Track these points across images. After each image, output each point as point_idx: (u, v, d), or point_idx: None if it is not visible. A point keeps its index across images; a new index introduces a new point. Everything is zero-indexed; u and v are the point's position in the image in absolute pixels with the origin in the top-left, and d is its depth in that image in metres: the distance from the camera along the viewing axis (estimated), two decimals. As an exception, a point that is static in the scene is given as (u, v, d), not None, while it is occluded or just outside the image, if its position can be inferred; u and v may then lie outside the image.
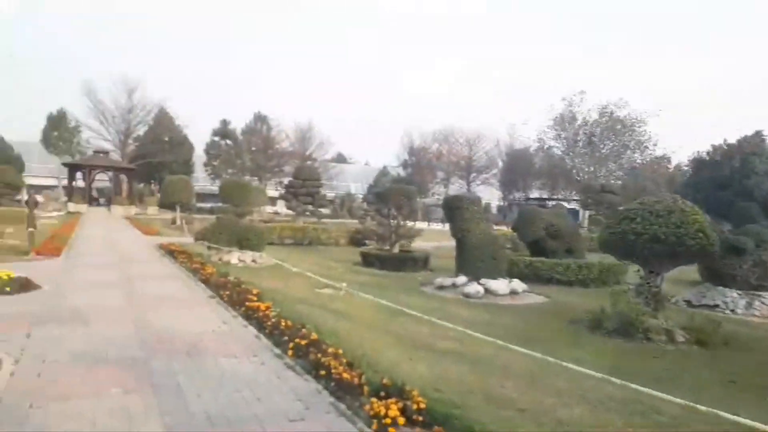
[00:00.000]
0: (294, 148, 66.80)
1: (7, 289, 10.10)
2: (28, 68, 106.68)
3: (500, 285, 13.82)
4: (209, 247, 16.86)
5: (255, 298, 10.14)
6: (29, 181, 54.00)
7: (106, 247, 20.31)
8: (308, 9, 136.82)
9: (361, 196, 71.00)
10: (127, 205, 47.38)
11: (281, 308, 9.55)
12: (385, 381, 5.72)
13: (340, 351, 6.83)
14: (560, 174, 65.92)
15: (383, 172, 74.15)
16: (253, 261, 17.09)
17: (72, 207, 43.79)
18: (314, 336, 7.45)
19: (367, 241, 26.57)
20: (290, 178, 46.25)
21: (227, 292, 10.89)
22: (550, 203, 54.30)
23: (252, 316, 9.01)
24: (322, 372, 6.23)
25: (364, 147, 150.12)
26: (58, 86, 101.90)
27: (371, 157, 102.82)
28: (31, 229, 15.80)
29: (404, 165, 79.09)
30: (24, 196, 50.53)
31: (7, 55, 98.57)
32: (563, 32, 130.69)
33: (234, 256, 16.83)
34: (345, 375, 6.00)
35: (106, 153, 54.50)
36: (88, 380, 5.72)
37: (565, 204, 55.85)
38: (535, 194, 72.75)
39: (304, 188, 42.30)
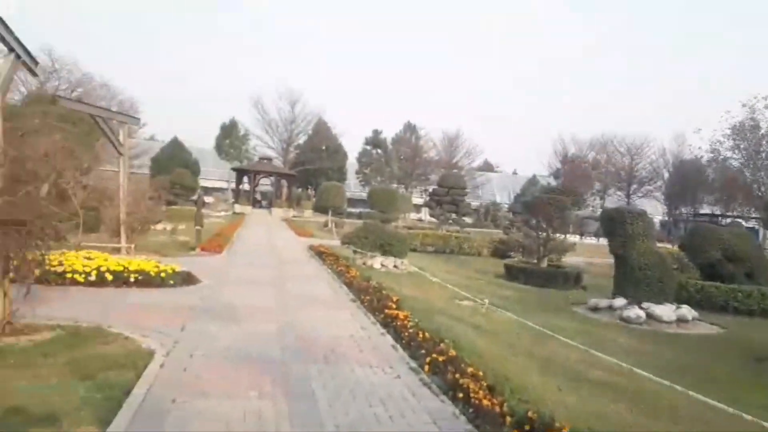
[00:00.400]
0: (440, 156, 66.94)
1: (171, 282, 10.96)
2: (204, 81, 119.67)
3: (666, 311, 12.22)
4: (354, 251, 17.14)
5: (394, 306, 9.92)
6: (204, 183, 60.19)
7: (264, 246, 21.64)
8: (460, 20, 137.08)
9: (506, 206, 69.10)
10: (286, 207, 50.70)
11: (419, 318, 9.20)
12: (530, 413, 5.06)
13: (480, 372, 6.27)
14: (737, 188, 58.32)
15: (532, 182, 71.39)
16: (395, 266, 17.04)
17: (238, 208, 47.85)
18: (452, 352, 6.97)
19: (511, 253, 25.47)
20: (435, 186, 46.30)
21: (368, 297, 10.82)
22: (724, 221, 48.26)
23: (390, 324, 8.77)
24: (460, 394, 5.72)
25: (512, 155, 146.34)
26: (231, 98, 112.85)
27: (519, 166, 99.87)
28: (198, 227, 17.28)
29: (556, 174, 75.41)
30: (205, 197, 56.56)
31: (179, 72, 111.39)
32: (742, 27, 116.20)
33: (377, 261, 16.92)
34: (485, 401, 5.44)
35: (269, 159, 58.92)
36: (228, 379, 5.80)
37: (742, 222, 49.29)
38: (705, 210, 65.20)
39: (449, 196, 41.97)
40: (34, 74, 9.69)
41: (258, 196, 57.10)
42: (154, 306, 9.10)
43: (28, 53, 8.65)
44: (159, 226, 24.34)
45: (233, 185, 58.30)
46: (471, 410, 5.41)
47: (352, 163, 67.36)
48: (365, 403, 5.44)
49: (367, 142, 66.14)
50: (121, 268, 10.64)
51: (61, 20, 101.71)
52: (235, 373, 5.98)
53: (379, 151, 66.20)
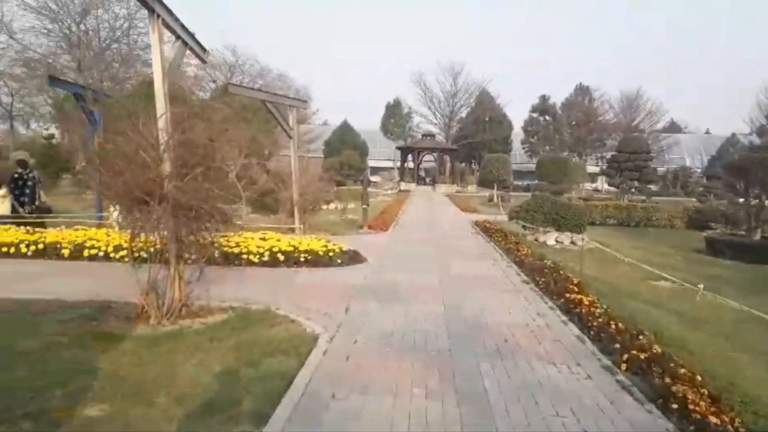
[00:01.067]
0: (618, 119, 61.24)
1: (339, 261, 10.89)
2: (372, 63, 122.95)
3: None
4: (524, 226, 15.92)
5: (576, 289, 8.72)
6: (371, 163, 62.15)
7: (428, 223, 21.29)
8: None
9: (698, 171, 61.17)
10: (449, 183, 50.28)
11: (608, 303, 7.93)
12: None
13: (698, 376, 4.99)
14: None
15: (730, 141, 62.33)
16: (572, 243, 15.49)
17: (403, 186, 48.53)
18: (656, 348, 5.72)
19: (711, 224, 22.11)
20: (613, 152, 42.27)
21: (543, 279, 9.73)
22: None
23: (572, 311, 7.65)
24: (674, 405, 4.55)
25: (703, 114, 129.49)
26: (396, 78, 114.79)
27: (712, 125, 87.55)
28: (364, 206, 17.36)
29: (759, 132, 64.84)
30: (372, 177, 58.47)
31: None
32: None
33: (551, 237, 15.53)
34: (711, 417, 4.23)
35: (432, 136, 58.86)
36: (390, 372, 5.27)
37: None
38: None
39: (630, 162, 38.06)
40: (203, 61, 10.02)
41: (422, 173, 57.40)
42: (321, 286, 9.02)
43: (196, 40, 8.90)
44: (330, 206, 25.28)
45: (399, 164, 59.33)
46: (691, 427, 4.24)
47: (517, 134, 64.65)
48: (550, 410, 4.54)
49: (534, 109, 62.85)
50: (292, 249, 10.81)
51: (243, 19, 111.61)
52: (399, 365, 5.43)
53: (548, 117, 62.57)
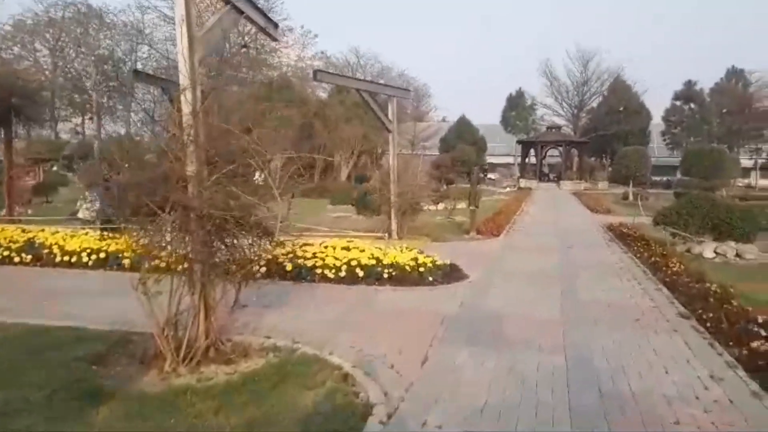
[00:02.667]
0: (781, 104, 52.66)
1: (430, 278, 8.86)
2: (489, 54, 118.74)
3: None
4: (674, 234, 12.77)
5: (762, 332, 5.99)
6: (490, 159, 58.98)
7: (549, 226, 18.49)
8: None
9: None
10: (576, 180, 45.98)
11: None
12: None
13: None
14: None
15: None
16: (737, 256, 12.12)
17: (523, 183, 45.10)
18: None
19: None
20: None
21: (709, 312, 6.98)
22: None
23: (766, 372, 5.01)
24: None
25: None
26: (518, 68, 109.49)
27: None
28: (472, 208, 15.13)
29: None
30: (489, 173, 55.51)
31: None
32: None
33: (708, 248, 12.26)
34: None
35: (558, 128, 54.44)
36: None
37: None
38: None
39: (802, 154, 31.73)
40: (273, 39, 8.38)
41: (545, 169, 53.32)
42: (400, 315, 7.05)
43: (259, 10, 7.27)
44: (440, 206, 23.23)
45: (519, 159, 55.67)
46: None
47: (656, 124, 58.00)
48: None
49: (677, 96, 55.96)
50: (374, 262, 8.96)
51: (364, 21, 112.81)
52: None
53: (693, 106, 55.40)
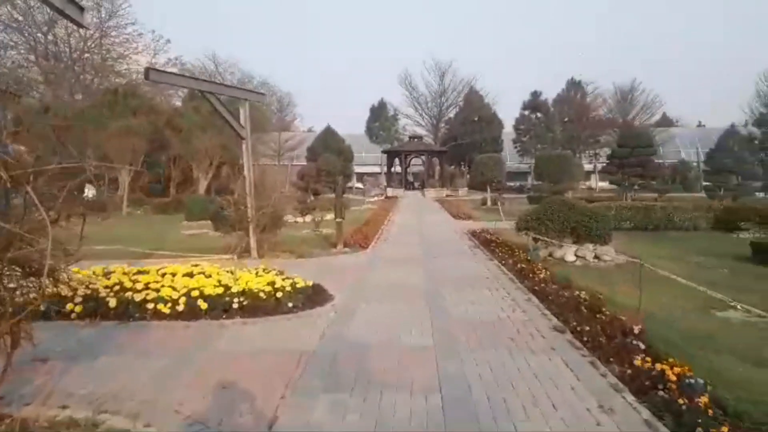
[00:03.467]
0: (613, 114, 58.57)
1: (290, 304, 7.73)
2: (353, 64, 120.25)
3: None
4: (536, 239, 12.83)
5: (641, 345, 5.69)
6: (357, 169, 58.97)
7: (415, 234, 18.15)
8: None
9: (694, 164, 58.61)
10: (439, 187, 47.27)
11: (706, 371, 4.88)
12: None
13: None
14: None
15: (730, 133, 59.68)
16: (596, 258, 12.44)
17: (390, 192, 45.42)
18: None
19: (742, 224, 19.19)
20: (611, 147, 39.49)
21: (583, 324, 6.63)
22: None
23: (653, 393, 4.57)
24: None
25: (693, 106, 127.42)
26: (380, 79, 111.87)
27: (705, 118, 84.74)
28: (338, 220, 14.22)
29: (759, 122, 62.45)
30: (354, 183, 55.30)
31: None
32: None
33: (569, 252, 12.46)
34: None
35: (420, 138, 55.81)
36: None
37: None
38: None
39: (633, 157, 35.13)
40: (78, 25, 6.81)
41: (410, 178, 54.40)
42: (248, 357, 5.84)
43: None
44: (307, 218, 22.12)
45: (386, 169, 56.26)
46: None
47: (507, 133, 61.76)
48: None
49: (525, 106, 59.98)
50: (221, 291, 7.64)
51: (222, 26, 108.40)
52: None
53: (539, 115, 59.73)
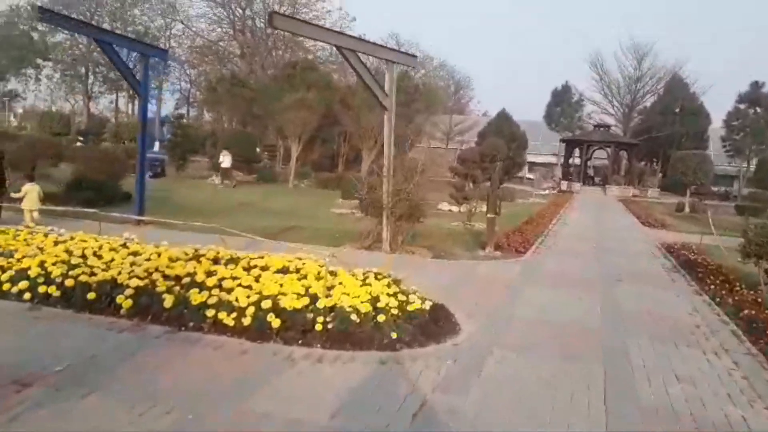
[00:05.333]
0: None
1: (393, 335, 5.41)
2: (535, 48, 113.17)
3: None
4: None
5: None
6: (530, 158, 54.63)
7: (591, 242, 14.69)
8: None
9: None
10: (624, 185, 41.48)
11: None
12: None
13: None
14: None
15: None
16: None
17: (564, 185, 40.90)
18: None
19: None
20: None
21: None
22: None
23: None
24: None
25: None
26: (565, 61, 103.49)
27: None
28: (490, 216, 11.54)
29: None
30: (525, 173, 51.25)
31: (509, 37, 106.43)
32: None
33: (827, 297, 8.40)
34: None
35: (606, 127, 49.70)
36: None
37: None
38: None
39: None
40: None
41: (590, 171, 48.78)
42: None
43: None
44: (463, 208, 19.66)
45: (562, 159, 51.24)
46: None
47: (714, 129, 52.53)
48: None
49: (741, 99, 50.21)
50: (304, 302, 5.58)
51: (405, 5, 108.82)
52: None
53: (758, 109, 49.69)
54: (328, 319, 5.47)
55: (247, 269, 6.72)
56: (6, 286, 5.86)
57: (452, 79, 67.38)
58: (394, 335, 5.44)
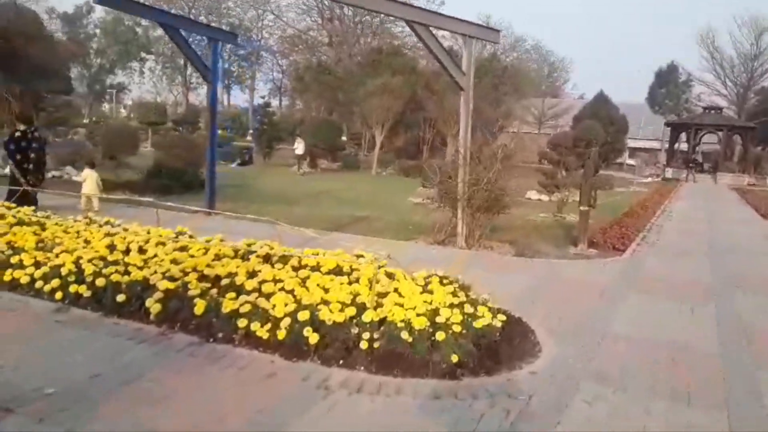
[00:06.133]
0: None
1: (453, 358, 4.43)
2: (637, 26, 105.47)
3: None
4: None
5: None
6: (630, 144, 50.84)
7: (702, 239, 12.80)
8: None
9: None
10: (738, 173, 37.41)
11: None
12: None
13: None
14: None
15: None
16: None
17: (669, 173, 37.51)
18: None
19: None
20: None
21: None
22: None
23: None
24: None
25: None
26: (670, 40, 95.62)
27: None
28: (583, 208, 10.14)
29: None
30: (626, 159, 47.70)
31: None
32: None
33: None
34: None
35: (718, 110, 45.06)
36: None
37: None
38: None
39: None
40: None
41: (698, 158, 44.49)
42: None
43: None
44: (553, 197, 18.12)
45: (667, 145, 47.17)
46: None
47: None
48: None
49: None
50: (350, 314, 4.73)
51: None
52: None
53: None
54: (375, 336, 4.59)
55: (297, 268, 5.98)
56: (39, 284, 5.47)
57: (546, 61, 64.23)
58: (454, 359, 4.46)
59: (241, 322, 4.73)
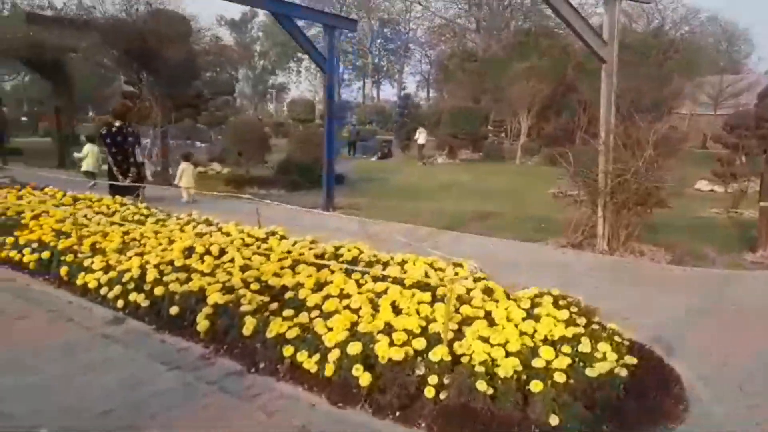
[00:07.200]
0: None
1: (556, 420, 3.15)
2: None
3: None
4: None
5: None
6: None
7: None
8: None
9: None
10: None
11: None
12: None
13: None
14: None
15: None
16: None
17: None
18: None
19: None
20: None
21: None
22: None
23: None
24: None
25: None
26: None
27: None
28: (764, 204, 7.87)
29: None
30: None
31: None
32: None
33: None
34: None
35: None
36: None
37: None
38: None
39: None
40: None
41: None
42: None
43: None
44: (730, 188, 15.11)
45: None
46: None
47: None
48: None
49: None
50: (418, 347, 3.66)
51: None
52: None
53: None
54: (445, 381, 3.48)
55: (379, 279, 5.05)
56: (104, 290, 5.16)
57: (725, 33, 56.19)
58: (554, 422, 3.21)
59: (287, 350, 3.90)
